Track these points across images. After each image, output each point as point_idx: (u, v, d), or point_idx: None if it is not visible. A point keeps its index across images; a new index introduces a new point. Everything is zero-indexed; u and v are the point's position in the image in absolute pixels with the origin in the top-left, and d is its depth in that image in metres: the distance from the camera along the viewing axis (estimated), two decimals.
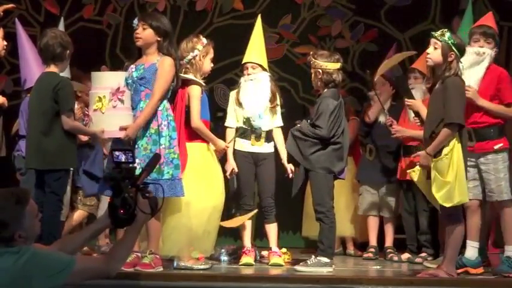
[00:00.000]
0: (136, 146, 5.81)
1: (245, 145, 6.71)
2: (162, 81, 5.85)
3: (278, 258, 6.59)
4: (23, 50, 7.16)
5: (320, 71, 6.33)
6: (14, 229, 3.54)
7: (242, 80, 6.76)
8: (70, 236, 3.85)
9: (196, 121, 6.20)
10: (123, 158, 3.71)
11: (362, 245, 7.94)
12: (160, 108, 5.88)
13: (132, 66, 6.00)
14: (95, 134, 5.85)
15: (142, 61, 5.99)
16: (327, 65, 6.33)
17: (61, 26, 7.41)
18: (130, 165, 3.71)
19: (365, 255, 7.56)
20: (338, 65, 6.38)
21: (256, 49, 6.81)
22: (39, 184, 5.90)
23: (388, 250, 7.57)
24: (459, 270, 5.93)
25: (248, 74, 6.70)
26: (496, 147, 6.13)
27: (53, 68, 5.97)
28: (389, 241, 7.66)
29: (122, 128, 5.74)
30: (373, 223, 7.73)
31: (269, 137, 6.72)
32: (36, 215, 3.64)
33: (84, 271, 3.57)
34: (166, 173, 5.81)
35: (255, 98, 6.62)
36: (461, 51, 5.81)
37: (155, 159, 4.05)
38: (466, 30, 6.60)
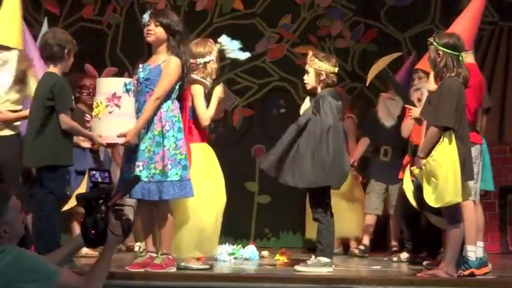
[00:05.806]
0: (138, 149, 5.76)
1: None
2: (165, 81, 5.77)
3: None
4: (27, 49, 7.13)
5: (323, 73, 6.32)
6: None
7: None
8: (51, 254, 3.83)
9: (205, 119, 6.15)
10: (99, 178, 3.67)
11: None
12: (164, 109, 5.80)
13: (140, 66, 5.94)
14: (91, 136, 5.83)
15: (150, 61, 5.93)
16: (331, 69, 6.33)
17: (44, 27, 7.38)
18: (107, 185, 3.65)
19: (353, 249, 7.68)
20: (337, 69, 6.41)
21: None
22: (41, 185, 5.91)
23: (394, 249, 7.62)
24: (465, 272, 5.85)
25: None
26: None
27: (52, 69, 5.95)
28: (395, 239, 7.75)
29: (122, 135, 5.68)
30: (372, 222, 7.78)
31: None
32: (19, 212, 3.62)
33: (66, 285, 3.54)
34: (175, 174, 5.75)
35: None
36: (456, 48, 5.75)
37: (133, 181, 4.01)
38: None
